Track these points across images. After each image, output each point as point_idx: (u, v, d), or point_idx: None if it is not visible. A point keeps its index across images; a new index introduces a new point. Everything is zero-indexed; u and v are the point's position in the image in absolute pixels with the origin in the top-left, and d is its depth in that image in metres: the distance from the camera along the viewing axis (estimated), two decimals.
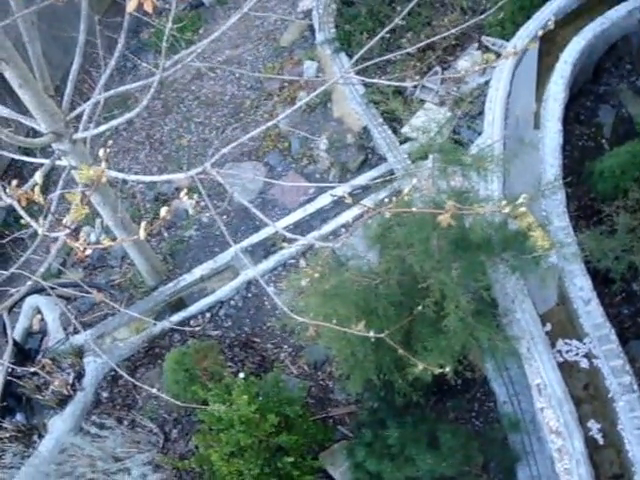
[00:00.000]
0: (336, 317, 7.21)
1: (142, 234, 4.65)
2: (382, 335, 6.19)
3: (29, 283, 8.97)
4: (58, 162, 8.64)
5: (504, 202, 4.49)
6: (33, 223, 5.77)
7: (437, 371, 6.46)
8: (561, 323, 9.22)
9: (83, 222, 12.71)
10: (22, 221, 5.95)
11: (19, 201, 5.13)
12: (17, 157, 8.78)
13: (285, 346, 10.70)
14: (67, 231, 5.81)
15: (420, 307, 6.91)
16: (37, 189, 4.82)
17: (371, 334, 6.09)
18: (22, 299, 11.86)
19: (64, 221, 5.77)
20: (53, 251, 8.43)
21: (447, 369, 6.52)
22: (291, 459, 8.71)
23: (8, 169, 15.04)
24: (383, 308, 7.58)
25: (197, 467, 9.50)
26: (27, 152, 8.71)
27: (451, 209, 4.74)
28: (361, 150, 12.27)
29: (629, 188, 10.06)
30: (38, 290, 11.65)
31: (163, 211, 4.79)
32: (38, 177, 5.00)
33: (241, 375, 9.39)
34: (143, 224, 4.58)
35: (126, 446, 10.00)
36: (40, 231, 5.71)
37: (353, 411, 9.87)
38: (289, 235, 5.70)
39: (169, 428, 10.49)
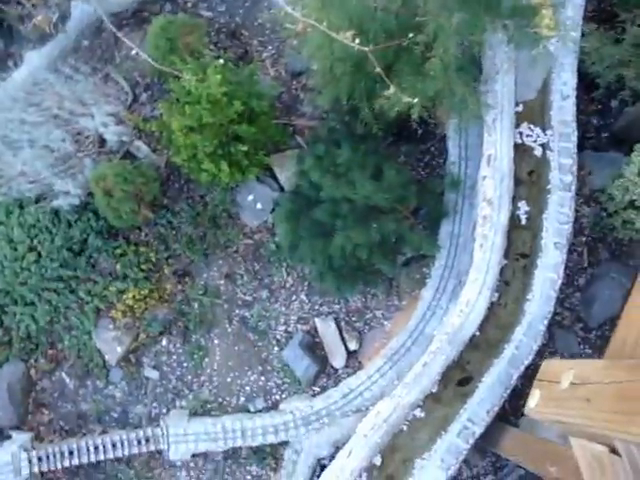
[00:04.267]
0: (328, 25, 7.22)
1: None
2: (366, 49, 6.37)
3: None
4: None
5: None
6: None
7: (405, 99, 6.76)
8: (532, 109, 9.38)
9: None
10: None
11: None
12: None
13: (270, 47, 10.73)
14: None
15: (411, 36, 6.99)
16: None
17: (356, 43, 6.27)
18: None
19: None
20: None
21: (415, 100, 6.82)
22: (245, 148, 9.17)
23: None
24: (374, 32, 7.59)
25: (157, 131, 9.93)
26: None
27: None
28: None
29: None
30: None
31: None
32: None
33: (220, 61, 9.34)
34: None
35: (96, 94, 10.27)
36: None
37: (314, 126, 10.20)
38: None
39: (139, 91, 10.76)
